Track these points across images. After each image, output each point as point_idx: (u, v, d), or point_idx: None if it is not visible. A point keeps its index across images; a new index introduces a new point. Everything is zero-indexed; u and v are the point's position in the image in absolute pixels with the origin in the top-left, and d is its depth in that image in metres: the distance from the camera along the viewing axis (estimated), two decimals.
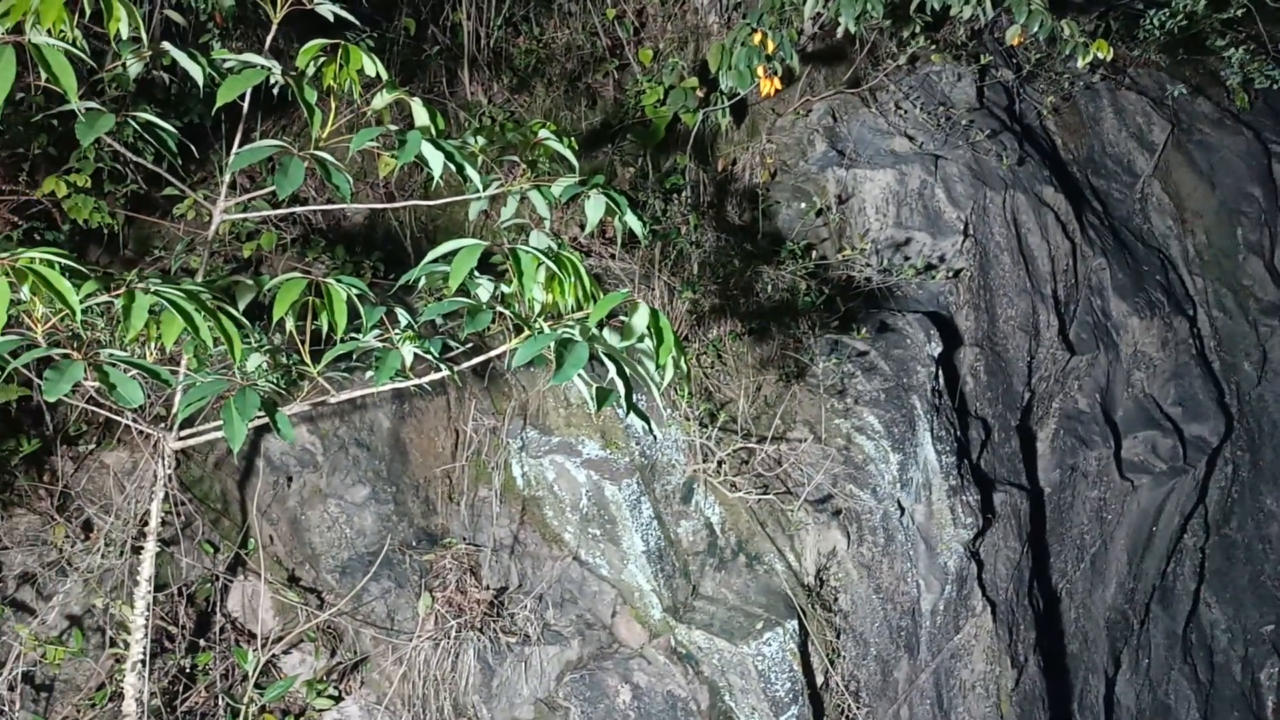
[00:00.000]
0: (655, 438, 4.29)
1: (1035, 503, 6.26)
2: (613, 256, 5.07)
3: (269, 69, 2.74)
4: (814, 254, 5.52)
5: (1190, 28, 7.60)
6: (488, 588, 4.09)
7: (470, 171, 2.87)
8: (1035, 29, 5.04)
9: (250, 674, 3.48)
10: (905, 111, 6.37)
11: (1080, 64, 5.07)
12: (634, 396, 2.75)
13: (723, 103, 5.48)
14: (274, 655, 3.87)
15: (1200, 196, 8.00)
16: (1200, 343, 7.58)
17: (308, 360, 2.67)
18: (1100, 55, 5.04)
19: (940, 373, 5.44)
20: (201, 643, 3.88)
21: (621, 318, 2.63)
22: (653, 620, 4.21)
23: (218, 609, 3.93)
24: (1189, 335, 7.40)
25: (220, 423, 2.38)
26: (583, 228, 4.99)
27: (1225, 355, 7.82)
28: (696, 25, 6.23)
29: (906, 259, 5.82)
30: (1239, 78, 7.94)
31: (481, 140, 3.17)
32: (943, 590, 4.94)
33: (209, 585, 3.99)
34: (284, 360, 3.15)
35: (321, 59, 2.83)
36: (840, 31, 5.00)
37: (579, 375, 2.56)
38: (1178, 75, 8.26)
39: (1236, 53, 7.71)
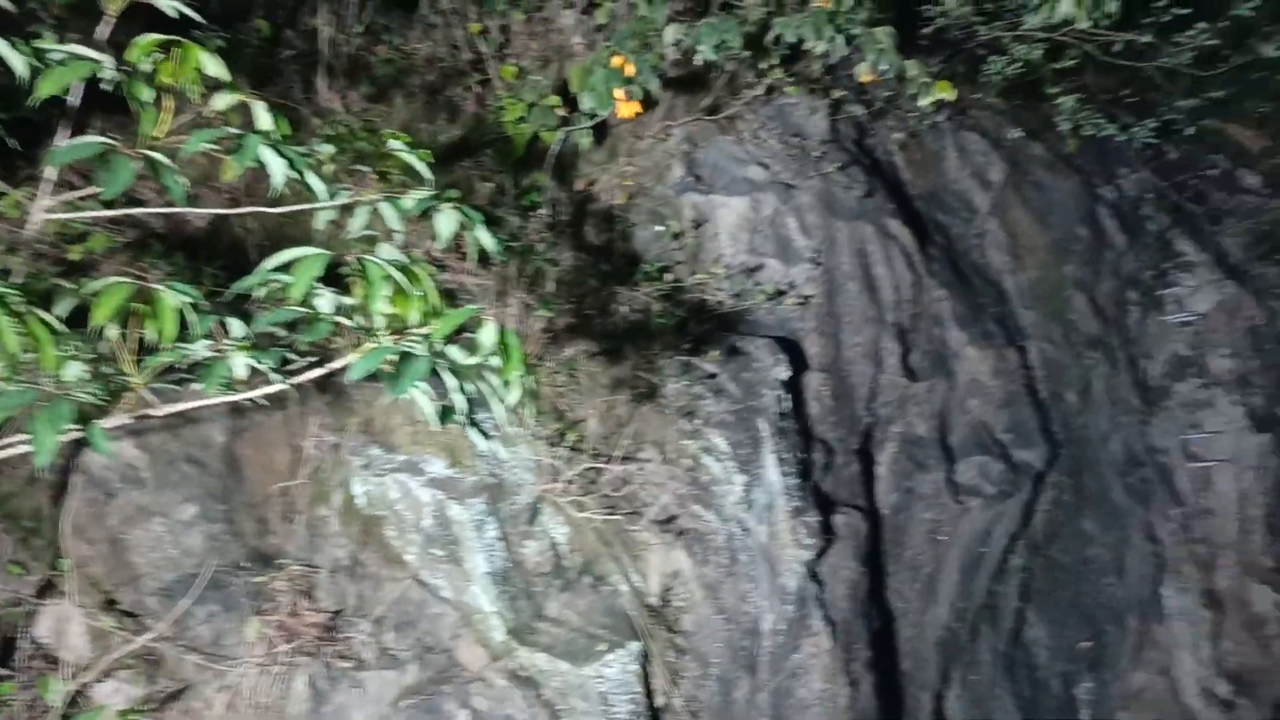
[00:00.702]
0: (500, 457, 4.24)
1: (874, 524, 6.47)
2: (469, 272, 5.00)
3: (98, 62, 2.59)
4: (669, 276, 5.58)
5: (1028, 74, 8.06)
6: (323, 611, 3.95)
7: (313, 179, 2.78)
8: (884, 67, 5.24)
9: (57, 704, 3.25)
10: (761, 140, 6.53)
11: (923, 103, 5.30)
12: (480, 414, 2.71)
13: (583, 123, 5.49)
14: (86, 684, 3.64)
15: (1033, 234, 8.46)
16: (1030, 373, 8.00)
17: (129, 370, 2.52)
18: (944, 96, 5.29)
19: (787, 396, 5.57)
20: (2, 671, 3.61)
21: (470, 334, 2.60)
22: (494, 643, 4.15)
23: (25, 634, 3.67)
24: (1020, 365, 7.80)
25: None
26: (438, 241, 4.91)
27: (1052, 385, 8.28)
28: (561, 45, 6.24)
29: (758, 284, 5.94)
30: (1070, 124, 8.46)
31: (330, 148, 3.08)
32: (783, 610, 5.05)
33: (16, 609, 3.72)
34: (106, 370, 2.98)
35: (159, 56, 2.70)
36: (700, 59, 5.08)
37: (420, 391, 2.52)
38: (1016, 119, 8.74)
39: (1068, 101, 8.22)
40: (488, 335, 2.53)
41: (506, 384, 2.61)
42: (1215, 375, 9.47)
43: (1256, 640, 9.16)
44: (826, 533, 5.60)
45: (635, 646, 4.22)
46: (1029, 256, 8.38)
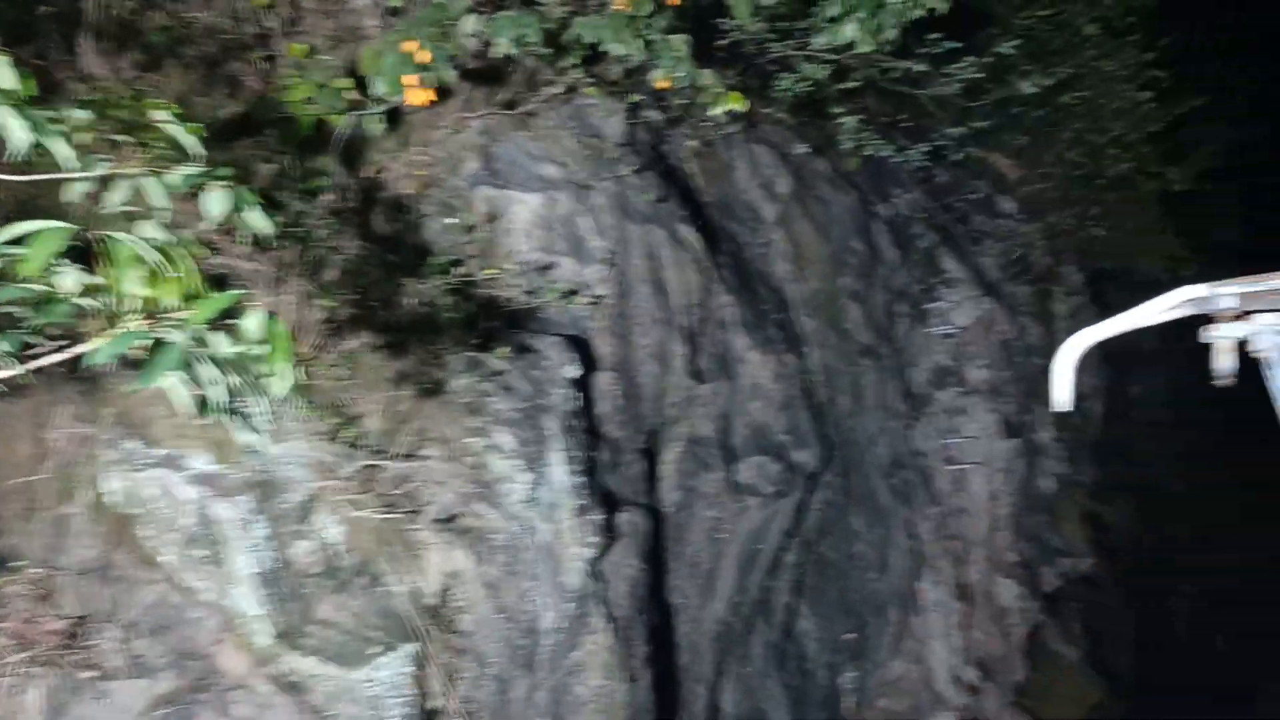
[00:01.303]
0: (271, 452, 4.04)
1: (657, 522, 6.60)
2: (245, 257, 4.74)
3: None
4: (459, 270, 5.48)
5: (815, 93, 8.45)
6: (66, 617, 3.64)
7: (58, 146, 2.55)
8: (679, 75, 5.36)
9: None
10: (559, 139, 6.52)
11: (715, 113, 5.45)
12: (253, 408, 2.57)
13: (375, 108, 5.31)
14: None
15: (815, 246, 8.88)
16: (808, 378, 8.39)
17: None
18: (735, 107, 5.45)
19: (577, 395, 5.59)
20: None
21: (234, 320, 2.46)
22: (259, 648, 3.95)
23: None
24: (799, 370, 8.16)
25: None
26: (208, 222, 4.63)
27: (828, 390, 8.71)
28: (354, 26, 6.01)
29: (551, 283, 5.94)
30: (852, 143, 8.93)
31: (87, 114, 2.83)
32: (564, 608, 5.06)
33: None
34: None
35: None
36: (499, 53, 5.02)
37: (176, 381, 2.36)
38: (803, 135, 9.14)
39: (851, 121, 8.68)
40: (253, 323, 2.40)
41: (273, 375, 2.48)
42: (972, 384, 10.25)
43: (1000, 630, 9.98)
44: (610, 531, 5.67)
45: (410, 648, 4.12)
46: (810, 267, 8.78)
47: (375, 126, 5.47)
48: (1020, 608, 10.11)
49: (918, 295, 9.91)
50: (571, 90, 6.74)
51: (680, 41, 5.21)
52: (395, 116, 5.92)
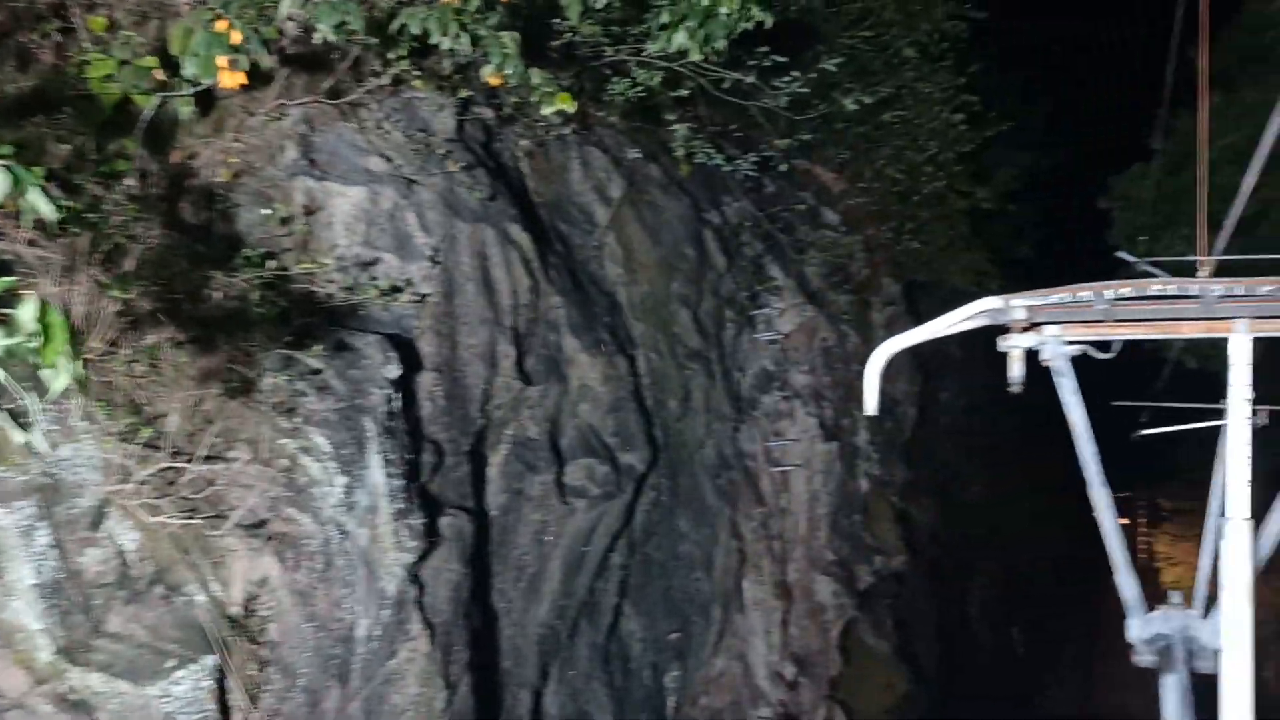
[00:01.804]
0: (57, 454, 3.75)
1: (481, 525, 6.51)
2: (32, 243, 4.38)
3: None
4: (274, 264, 5.23)
5: (648, 99, 8.53)
6: None
7: None
8: (508, 72, 5.28)
9: None
10: (385, 132, 6.34)
11: (546, 112, 5.40)
12: (26, 404, 2.37)
13: (184, 90, 5.02)
14: None
15: (646, 250, 8.96)
16: (637, 380, 8.46)
17: None
18: (564, 107, 5.42)
19: (397, 396, 5.44)
20: None
21: (7, 310, 2.26)
22: (40, 664, 3.65)
23: None
24: (629, 373, 8.21)
25: None
26: None
27: (657, 393, 8.81)
28: (163, 1, 5.67)
29: (373, 279, 5.76)
30: (684, 151, 9.07)
31: None
32: (381, 615, 4.91)
33: None
34: None
35: None
36: (320, 38, 4.83)
37: None
38: (636, 140, 9.22)
39: (682, 129, 8.81)
40: (26, 312, 2.21)
41: (51, 369, 2.30)
42: (795, 389, 10.58)
43: (817, 626, 10.33)
44: (431, 535, 5.54)
45: (210, 661, 3.90)
46: (641, 271, 8.86)
47: (185, 109, 5.17)
48: (836, 604, 10.50)
49: (745, 302, 10.16)
50: (399, 82, 6.56)
51: (510, 39, 5.14)
52: (207, 100, 5.61)
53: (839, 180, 12.16)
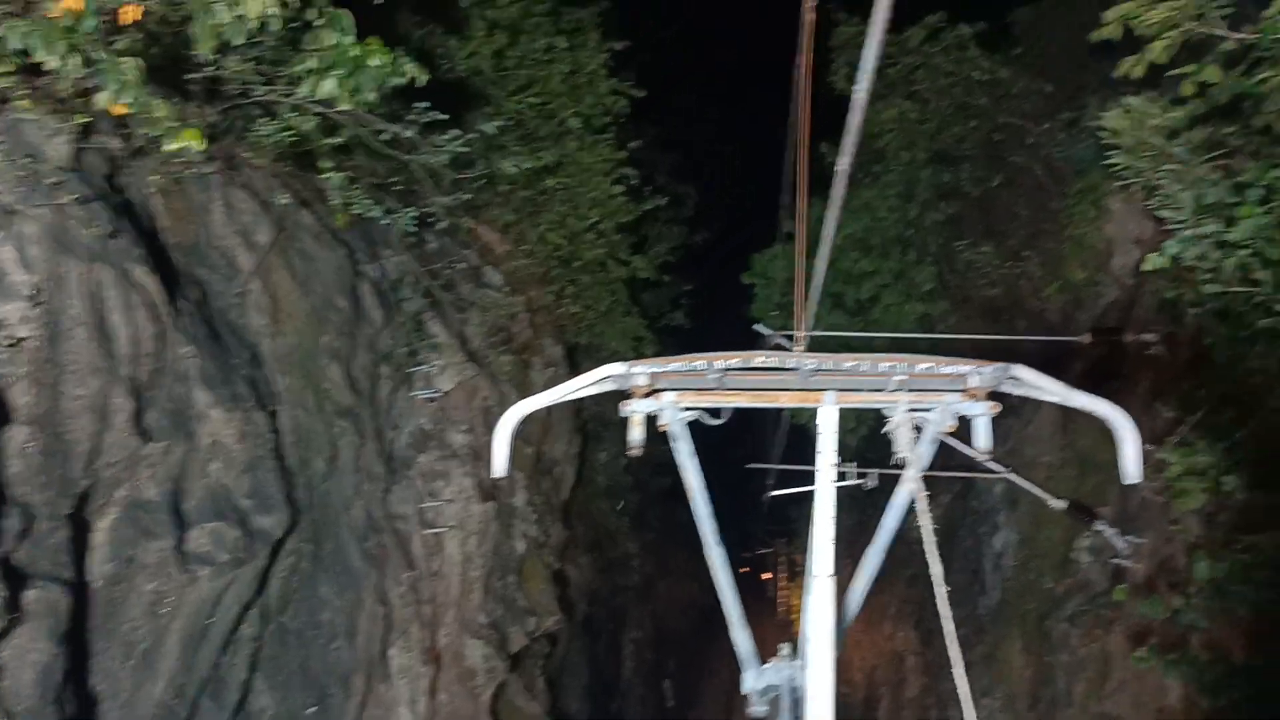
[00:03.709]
0: None
1: (81, 598, 5.80)
2: None
3: None
4: None
5: (302, 144, 8.17)
6: None
7: None
8: (126, 100, 4.87)
9: None
10: None
11: (167, 148, 5.02)
12: None
13: None
14: None
15: (295, 300, 8.53)
16: (279, 438, 7.96)
17: None
18: (191, 144, 5.06)
19: None
20: None
21: None
22: None
23: None
24: (269, 430, 7.71)
25: None
26: None
27: (301, 451, 8.35)
28: None
29: None
30: (341, 200, 8.77)
31: None
32: None
33: None
34: None
35: None
36: None
37: None
38: (288, 185, 8.79)
39: (339, 177, 8.52)
40: None
41: None
42: (453, 449, 10.45)
43: (467, 691, 10.14)
44: (14, 611, 4.85)
45: None
46: (289, 322, 8.41)
47: None
48: (487, 668, 10.37)
49: (403, 358, 9.93)
50: (4, 101, 5.86)
51: (131, 65, 4.75)
52: None
53: (503, 241, 12.30)
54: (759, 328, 11.23)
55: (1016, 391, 3.60)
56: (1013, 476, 8.85)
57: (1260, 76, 5.15)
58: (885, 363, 3.64)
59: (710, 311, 17.19)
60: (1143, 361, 8.24)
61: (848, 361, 3.67)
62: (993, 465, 8.68)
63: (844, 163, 3.25)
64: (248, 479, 7.37)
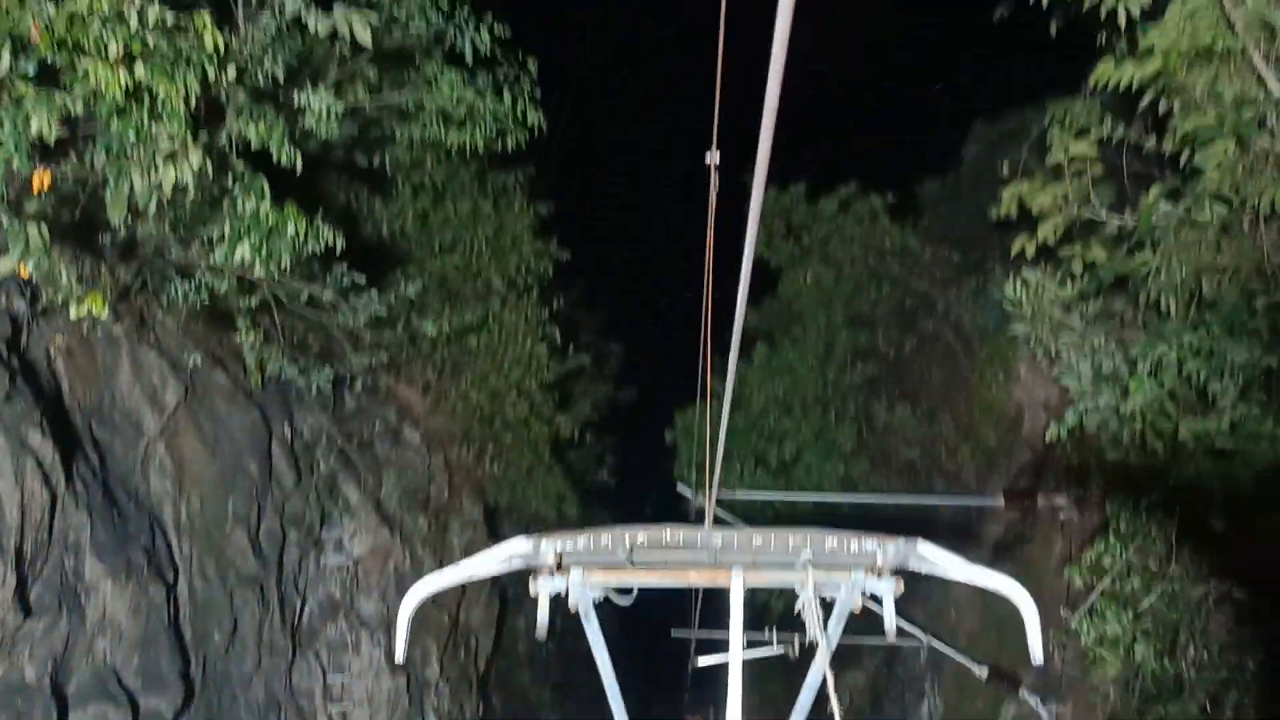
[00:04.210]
0: None
1: None
2: None
3: None
4: None
5: (217, 304, 8.08)
6: None
7: None
8: (33, 266, 4.78)
9: None
10: None
11: (73, 314, 4.92)
12: None
13: None
14: None
15: (202, 463, 8.27)
16: (176, 610, 7.57)
17: None
18: (96, 311, 4.97)
19: None
20: None
21: None
22: None
23: None
24: (165, 602, 7.34)
25: None
26: None
27: (199, 624, 7.92)
28: None
29: None
30: (255, 360, 8.63)
31: None
32: None
33: None
34: None
35: None
36: None
37: None
38: (203, 345, 8.65)
39: (254, 337, 8.40)
40: None
41: None
42: (363, 618, 10.03)
43: None
44: None
45: None
46: (194, 486, 8.12)
47: None
48: None
49: (313, 523, 9.62)
50: None
51: (37, 231, 4.68)
52: None
53: (423, 400, 12.18)
54: (681, 488, 11.18)
55: (922, 569, 3.59)
56: (935, 643, 8.77)
57: (1141, 259, 5.43)
58: (793, 539, 3.61)
59: (635, 467, 17.11)
60: (1055, 525, 8.34)
61: (756, 538, 3.64)
62: (915, 632, 8.61)
63: (730, 368, 3.34)
64: (138, 656, 6.95)
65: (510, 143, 8.71)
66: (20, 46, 4.36)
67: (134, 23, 4.48)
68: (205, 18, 4.87)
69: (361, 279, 8.15)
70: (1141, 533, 6.20)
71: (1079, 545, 7.66)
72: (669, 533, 3.73)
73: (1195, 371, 5.31)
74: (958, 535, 10.73)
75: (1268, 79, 5.47)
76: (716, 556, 3.72)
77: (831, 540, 3.61)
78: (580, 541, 3.73)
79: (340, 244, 5.97)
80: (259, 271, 5.91)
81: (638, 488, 16.91)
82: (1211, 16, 5.59)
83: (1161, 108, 5.91)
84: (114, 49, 4.33)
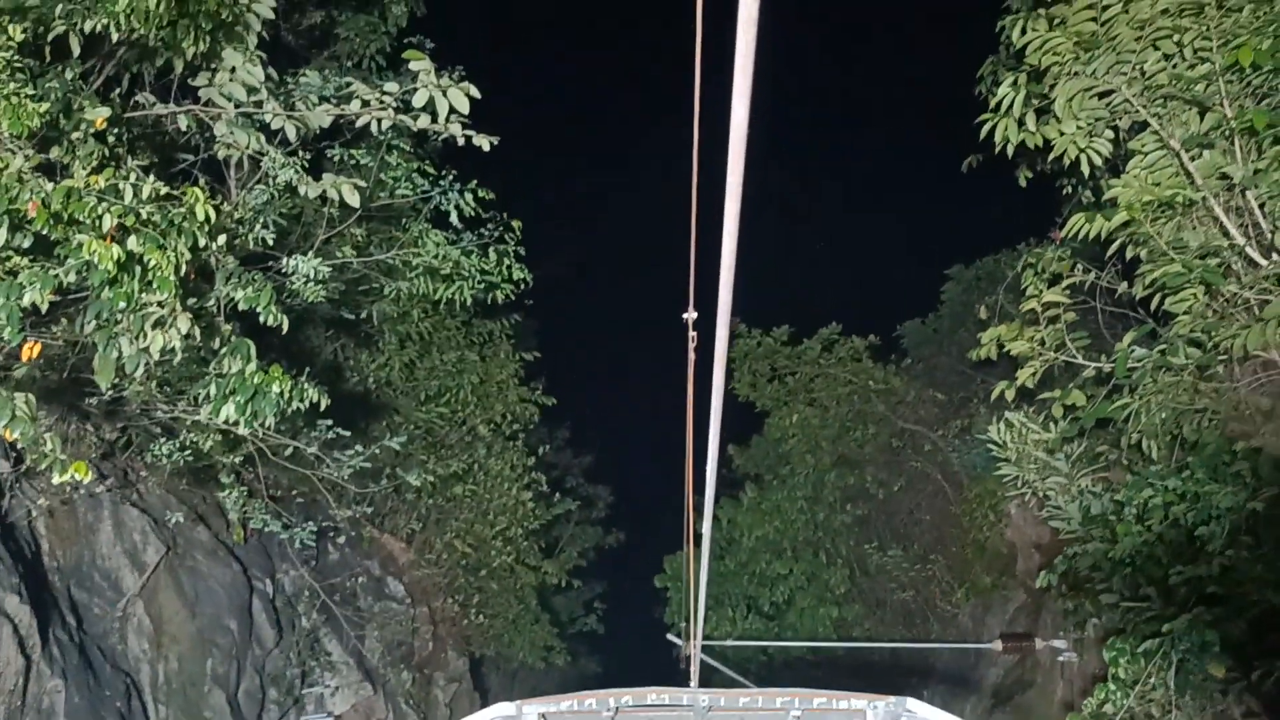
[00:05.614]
0: None
1: None
2: None
3: None
4: None
5: (201, 460, 8.05)
6: None
7: None
8: (18, 434, 4.78)
9: None
10: None
11: (56, 480, 4.89)
12: None
13: None
14: None
15: (181, 622, 8.08)
16: None
17: None
18: (79, 477, 4.94)
19: None
20: None
21: None
22: None
23: None
24: None
25: None
26: None
27: None
28: None
29: None
30: (238, 515, 8.56)
31: None
32: None
33: None
34: None
35: None
36: None
37: None
38: (186, 501, 8.58)
39: (237, 493, 8.35)
40: None
41: None
42: None
43: None
44: None
45: None
46: (172, 646, 7.92)
47: None
48: None
49: (294, 681, 9.34)
50: None
51: (24, 400, 4.70)
52: None
53: (407, 551, 12.01)
54: (671, 637, 10.95)
55: None
56: None
57: (1120, 402, 5.51)
58: (780, 698, 3.55)
59: (624, 612, 16.78)
60: (1055, 669, 8.17)
61: (743, 698, 3.59)
62: None
63: (706, 524, 3.37)
64: None
65: (499, 295, 8.88)
66: (17, 223, 4.47)
67: (129, 196, 4.62)
68: (197, 191, 5.01)
69: (346, 434, 8.13)
70: (1142, 679, 6.06)
71: (1080, 690, 7.49)
72: (654, 695, 3.66)
73: (1182, 515, 5.31)
74: (956, 681, 10.49)
75: (1229, 228, 5.67)
76: (704, 716, 3.66)
77: (820, 698, 3.56)
78: (564, 705, 3.66)
79: (325, 401, 5.98)
80: (244, 429, 5.91)
81: (627, 633, 16.54)
82: (1170, 169, 5.83)
83: (1129, 254, 6.10)
84: (108, 222, 4.45)
